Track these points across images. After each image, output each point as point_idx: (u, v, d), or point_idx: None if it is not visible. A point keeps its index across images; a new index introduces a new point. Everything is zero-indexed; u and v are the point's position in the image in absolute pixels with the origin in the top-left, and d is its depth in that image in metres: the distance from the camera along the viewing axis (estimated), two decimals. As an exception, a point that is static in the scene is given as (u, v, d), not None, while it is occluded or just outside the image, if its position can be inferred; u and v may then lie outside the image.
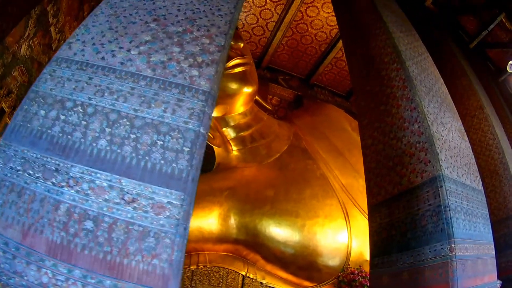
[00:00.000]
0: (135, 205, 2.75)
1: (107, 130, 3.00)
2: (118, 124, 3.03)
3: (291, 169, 9.70)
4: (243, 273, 8.90)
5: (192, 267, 8.81)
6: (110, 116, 3.07)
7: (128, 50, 3.45)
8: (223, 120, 9.99)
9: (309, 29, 11.49)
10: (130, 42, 3.53)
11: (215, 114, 9.66)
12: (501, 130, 9.22)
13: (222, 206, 8.91)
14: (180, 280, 2.63)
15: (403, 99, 6.44)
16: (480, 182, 6.35)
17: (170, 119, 3.07)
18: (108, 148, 2.93)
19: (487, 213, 6.20)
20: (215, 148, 10.29)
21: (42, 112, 3.13)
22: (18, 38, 7.56)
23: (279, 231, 8.89)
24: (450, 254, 5.18)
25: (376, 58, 7.33)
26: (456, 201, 5.58)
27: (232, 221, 8.93)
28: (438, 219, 5.48)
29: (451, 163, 5.91)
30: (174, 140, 2.98)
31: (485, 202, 6.28)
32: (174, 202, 2.75)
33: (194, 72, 3.36)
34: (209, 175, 9.90)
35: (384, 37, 7.23)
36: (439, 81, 7.20)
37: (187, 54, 3.51)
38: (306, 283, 9.14)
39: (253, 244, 8.93)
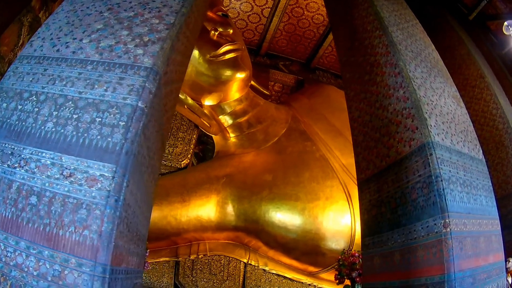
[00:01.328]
0: (71, 179, 2.69)
1: (54, 113, 2.98)
2: (64, 107, 2.99)
3: (289, 152, 8.79)
4: (245, 260, 8.06)
5: (192, 257, 8.07)
6: (58, 101, 3.05)
7: (81, 40, 3.41)
8: (219, 108, 9.12)
9: (305, 12, 10.47)
10: (83, 32, 3.48)
11: (210, 102, 8.87)
12: (504, 99, 7.96)
13: (219, 194, 8.05)
14: (111, 252, 2.52)
15: (387, 66, 5.49)
16: (481, 151, 5.36)
17: (110, 97, 3.00)
18: (53, 129, 2.90)
19: (490, 184, 5.17)
20: (213, 136, 9.45)
21: (4, 104, 3.19)
22: (13, 47, 7.16)
23: (279, 216, 8.00)
24: (444, 231, 4.18)
25: (358, 28, 6.39)
26: (450, 171, 4.57)
27: (231, 208, 8.06)
28: (429, 191, 4.47)
29: (443, 130, 4.91)
30: (112, 116, 2.90)
31: (487, 172, 5.27)
32: (106, 174, 2.67)
33: (139, 51, 3.28)
34: (207, 163, 9.14)
35: (366, 5, 6.27)
36: (430, 47, 6.20)
37: (134, 35, 3.43)
38: (311, 268, 8.15)
39: (254, 231, 8.07)
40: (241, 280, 8.05)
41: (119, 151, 2.74)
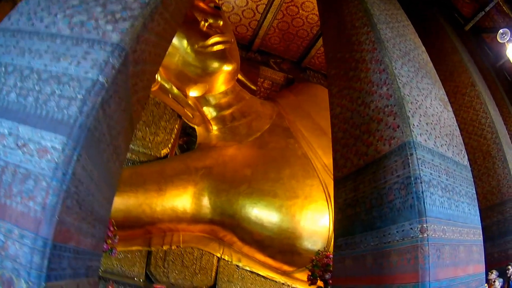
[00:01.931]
0: (24, 149, 2.54)
1: (19, 84, 2.83)
2: (28, 79, 2.84)
3: (271, 148, 8.33)
4: (218, 254, 7.64)
5: (165, 247, 7.59)
6: (24, 72, 2.89)
7: (55, 15, 3.21)
8: (203, 99, 8.64)
9: (300, 11, 10.01)
10: (59, 8, 3.28)
11: (195, 93, 8.38)
12: (494, 109, 7.54)
13: (197, 185, 7.57)
14: (54, 226, 2.37)
15: (372, 62, 5.07)
16: (466, 157, 4.91)
17: (73, 70, 2.83)
18: (15, 100, 2.75)
19: (474, 192, 4.74)
20: (196, 128, 8.99)
21: (-23, 76, 2.97)
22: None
23: (256, 212, 7.55)
24: (420, 236, 3.76)
25: (347, 24, 5.94)
26: (431, 173, 4.14)
27: (207, 200, 7.59)
28: (407, 193, 4.03)
29: (427, 130, 4.47)
30: (71, 89, 2.75)
31: (472, 179, 4.80)
32: (57, 146, 2.51)
33: (109, 27, 3.11)
34: (187, 153, 8.69)
35: (356, 2, 5.86)
36: (420, 48, 5.78)
37: (107, 12, 3.23)
38: (286, 267, 7.67)
39: (229, 225, 7.62)
40: (213, 275, 7.58)
41: (72, 123, 2.59)
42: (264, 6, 9.76)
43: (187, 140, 9.04)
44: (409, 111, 4.38)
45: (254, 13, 10.04)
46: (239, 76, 9.25)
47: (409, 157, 4.08)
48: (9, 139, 2.58)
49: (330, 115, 5.70)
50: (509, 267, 6.17)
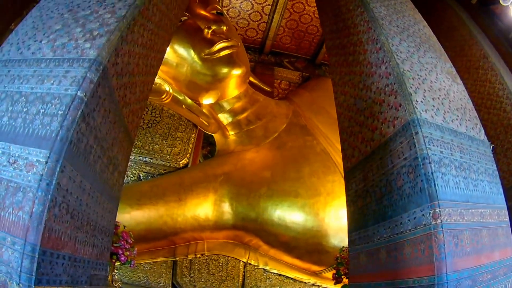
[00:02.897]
0: (15, 165, 2.63)
1: (10, 108, 2.91)
2: (18, 102, 2.91)
3: (289, 148, 7.80)
4: (244, 260, 7.16)
5: (190, 256, 7.21)
6: (14, 97, 2.97)
7: (41, 41, 3.30)
8: (217, 106, 8.22)
9: (306, 7, 9.53)
10: (43, 34, 3.36)
11: (208, 101, 8.03)
12: (510, 77, 6.64)
13: (217, 192, 7.16)
14: (41, 232, 2.44)
15: (369, 42, 4.53)
16: (482, 131, 4.26)
17: (55, 89, 2.88)
18: (7, 122, 2.83)
19: (495, 168, 4.05)
20: (214, 136, 8.57)
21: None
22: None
23: (278, 213, 7.06)
24: (433, 223, 3.15)
25: (342, 9, 5.44)
26: (442, 152, 3.54)
27: (228, 206, 7.15)
28: (416, 176, 3.43)
29: (434, 106, 3.86)
30: (53, 106, 2.79)
31: (491, 155, 4.15)
32: (41, 159, 2.58)
33: (87, 45, 3.13)
34: (206, 161, 8.32)
35: None
36: (420, 23, 5.17)
37: (86, 31, 3.28)
38: (315, 267, 7.11)
39: (253, 229, 7.16)
40: (240, 280, 7.13)
41: (54, 137, 2.64)
42: (270, 7, 9.33)
43: (211, 149, 8.67)
44: (411, 87, 3.81)
45: (261, 15, 9.63)
46: (252, 79, 8.83)
47: (414, 136, 3.51)
48: (2, 158, 2.69)
49: (335, 105, 5.16)
50: None
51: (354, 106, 4.62)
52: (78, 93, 2.81)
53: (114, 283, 5.42)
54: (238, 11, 9.51)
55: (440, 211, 3.15)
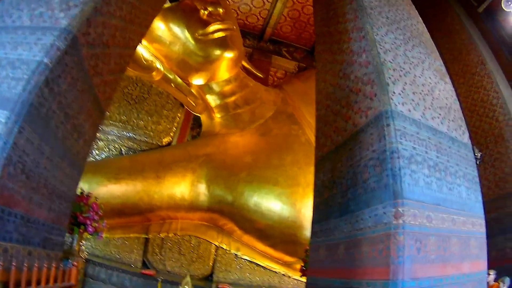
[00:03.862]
0: None
1: None
2: None
3: (274, 135, 7.43)
4: (216, 243, 6.82)
5: (162, 234, 6.83)
6: None
7: (22, 10, 3.19)
8: (207, 87, 7.80)
9: (310, -2, 8.89)
10: (26, 4, 3.23)
11: (198, 81, 7.59)
12: (507, 87, 6.27)
13: (195, 173, 6.78)
14: None
15: (354, 31, 4.15)
16: (467, 134, 3.82)
17: (26, 55, 2.83)
18: None
19: (476, 174, 3.63)
20: (201, 116, 8.18)
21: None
22: None
23: (255, 199, 6.70)
24: (394, 222, 2.76)
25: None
26: (415, 148, 3.13)
27: (205, 188, 6.76)
28: (382, 170, 3.05)
29: (413, 100, 3.46)
30: (21, 71, 2.75)
31: (474, 160, 3.74)
32: (2, 120, 2.53)
33: (61, 15, 3.05)
34: (189, 141, 7.97)
35: None
36: (414, 19, 4.76)
37: (63, 2, 3.15)
38: (287, 258, 6.72)
39: (228, 213, 6.80)
40: (210, 263, 6.77)
41: (16, 100, 2.62)
42: (273, -6, 8.84)
43: (200, 131, 8.23)
44: (389, 78, 3.41)
45: (263, 2, 9.10)
46: (245, 64, 8.45)
47: (385, 128, 3.13)
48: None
49: (315, 93, 4.75)
50: None
51: (332, 94, 4.22)
52: (44, 60, 2.78)
53: (80, 254, 5.13)
54: (241, -5, 9.04)
55: (403, 210, 2.76)
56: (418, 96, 3.51)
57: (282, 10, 9.13)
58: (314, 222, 3.92)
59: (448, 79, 4.18)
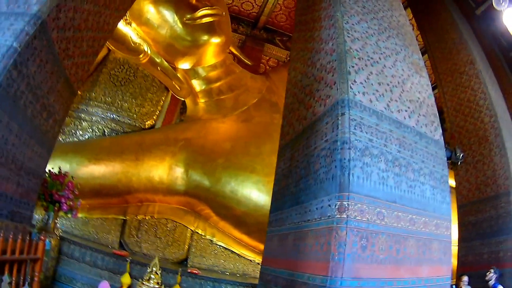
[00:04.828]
0: None
1: None
2: None
3: (255, 123, 7.19)
4: (192, 228, 6.69)
5: (139, 217, 6.63)
6: None
7: None
8: (192, 71, 7.55)
9: (305, -12, 8.49)
10: None
11: (184, 65, 7.37)
12: (495, 89, 6.02)
13: (174, 156, 6.55)
14: None
15: (326, 19, 3.88)
16: (439, 131, 3.55)
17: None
18: None
19: (445, 174, 3.37)
20: (186, 101, 7.94)
21: None
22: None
23: (232, 186, 6.44)
24: (338, 216, 2.55)
25: None
26: (371, 140, 2.90)
27: (183, 172, 6.51)
28: (331, 161, 2.84)
29: (377, 90, 3.22)
30: None
31: (444, 158, 3.45)
32: None
33: (33, 1, 3.04)
34: (171, 125, 7.72)
35: None
36: (396, 11, 4.47)
37: None
38: (262, 246, 6.26)
39: (205, 199, 6.54)
40: (186, 248, 6.57)
41: None
42: (269, -18, 8.52)
43: (189, 116, 8.02)
44: (352, 67, 3.17)
45: (259, -11, 8.79)
46: (233, 50, 8.21)
47: (339, 118, 2.91)
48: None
49: (286, 81, 4.51)
50: (491, 270, 4.63)
51: (300, 82, 4.00)
52: (14, 44, 2.82)
53: (55, 231, 5.11)
54: (237, -18, 8.74)
55: (348, 204, 2.53)
56: (384, 87, 3.26)
57: (279, -1, 8.84)
58: (271, 211, 3.72)
59: (425, 74, 3.91)
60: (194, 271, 5.69)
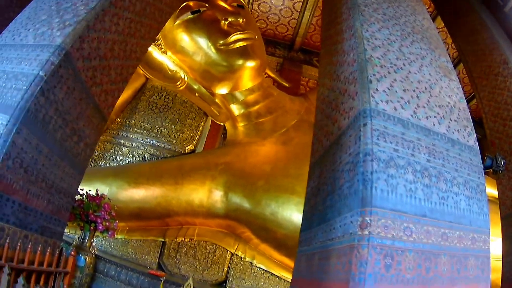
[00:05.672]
0: None
1: None
2: (1, 78, 3.12)
3: (294, 144, 6.97)
4: (232, 250, 6.53)
5: (179, 239, 6.58)
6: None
7: (29, 30, 3.51)
8: (230, 96, 7.58)
9: (338, 7, 8.36)
10: (32, 24, 3.57)
11: (221, 91, 7.45)
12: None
13: (214, 180, 6.51)
14: None
15: (346, 30, 3.76)
16: (473, 136, 3.22)
17: (27, 69, 3.10)
18: None
19: (482, 182, 3.00)
20: (226, 125, 7.95)
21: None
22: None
23: (272, 208, 6.25)
24: (359, 233, 2.34)
25: (337, 2, 4.61)
26: (396, 150, 2.66)
27: (223, 195, 6.43)
28: (354, 175, 2.63)
29: (402, 97, 3.00)
30: (21, 82, 3.02)
31: (480, 166, 3.08)
32: (3, 122, 2.81)
33: (57, 34, 3.30)
34: (211, 150, 7.77)
35: None
36: (420, 15, 4.24)
37: (61, 21, 3.43)
38: None
39: (245, 221, 6.41)
40: (225, 270, 6.41)
41: (15, 107, 2.89)
42: (301, 4, 8.47)
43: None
44: (374, 75, 2.98)
45: (292, 11, 8.79)
46: (269, 73, 8.16)
47: (361, 129, 2.71)
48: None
49: (316, 98, 4.41)
50: None
51: (327, 97, 3.86)
52: (40, 73, 3.03)
53: (91, 249, 5.28)
54: (269, 6, 8.78)
55: (370, 220, 2.31)
56: (409, 93, 3.04)
57: (310, 19, 8.76)
58: (301, 230, 3.55)
59: (454, 76, 3.63)
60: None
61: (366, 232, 2.25)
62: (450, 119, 3.15)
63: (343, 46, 3.66)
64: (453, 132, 3.07)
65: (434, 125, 2.98)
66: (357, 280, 2.15)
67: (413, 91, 3.07)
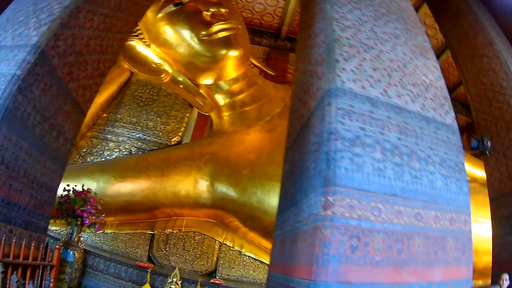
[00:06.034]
0: None
1: None
2: None
3: (278, 131, 6.78)
4: (220, 240, 6.47)
5: (167, 231, 6.51)
6: None
7: (7, 31, 3.54)
8: (215, 86, 7.45)
9: (324, -6, 8.14)
10: (11, 25, 3.59)
11: (206, 81, 7.32)
12: (518, 68, 5.13)
13: (200, 171, 6.43)
14: None
15: (318, 13, 3.60)
16: (451, 114, 3.10)
17: (5, 69, 3.15)
18: None
19: (461, 161, 2.88)
20: (211, 115, 7.85)
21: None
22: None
23: (258, 196, 6.19)
24: (322, 214, 2.22)
25: None
26: (363, 128, 2.54)
27: (209, 185, 6.36)
28: (319, 155, 2.52)
29: (372, 76, 2.87)
30: (0, 83, 3.05)
31: (459, 144, 2.96)
32: None
33: (33, 33, 3.37)
34: (197, 140, 7.63)
35: None
36: None
37: (37, 21, 3.48)
38: None
39: (232, 210, 6.35)
40: (214, 260, 6.36)
41: None
42: (286, -8, 8.42)
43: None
44: (341, 54, 2.87)
45: (277, 0, 8.58)
46: (254, 62, 8.03)
47: (325, 108, 2.60)
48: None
49: (293, 83, 4.33)
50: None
51: (300, 81, 3.80)
52: (17, 72, 3.10)
53: (79, 244, 5.30)
54: (255, -6, 8.68)
55: (334, 200, 2.23)
56: (380, 72, 2.95)
57: (297, 7, 8.44)
58: (277, 215, 3.44)
59: (432, 55, 3.54)
60: (217, 282, 5.50)
61: (329, 212, 2.16)
62: (425, 97, 3.05)
63: (314, 29, 3.56)
64: (428, 110, 2.96)
65: (407, 103, 2.88)
66: (321, 262, 2.06)
67: (384, 70, 2.97)
